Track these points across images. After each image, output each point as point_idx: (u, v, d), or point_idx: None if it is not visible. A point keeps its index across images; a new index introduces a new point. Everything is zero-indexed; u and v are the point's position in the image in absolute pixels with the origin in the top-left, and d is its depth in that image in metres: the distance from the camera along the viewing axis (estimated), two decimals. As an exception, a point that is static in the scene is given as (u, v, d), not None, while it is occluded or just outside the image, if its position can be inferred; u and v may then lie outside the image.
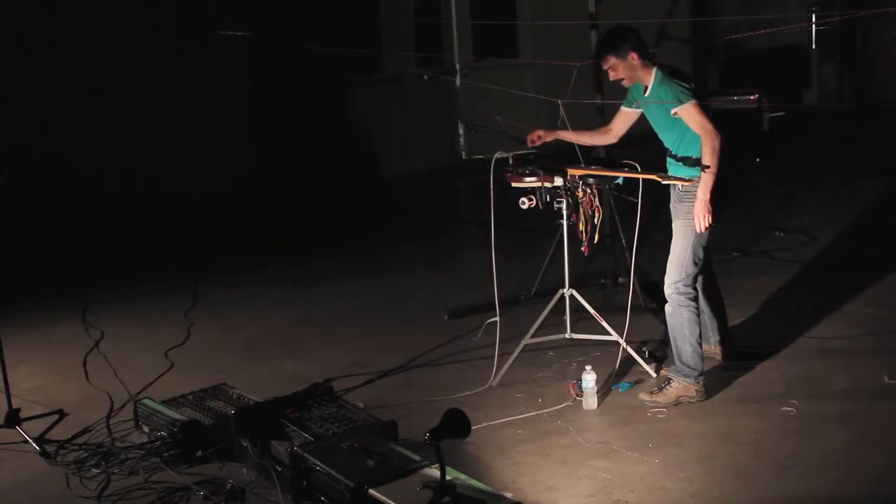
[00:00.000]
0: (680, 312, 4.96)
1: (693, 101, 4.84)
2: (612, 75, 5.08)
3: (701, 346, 5.00)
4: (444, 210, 10.31)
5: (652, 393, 5.01)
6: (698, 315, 5.00)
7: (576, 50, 7.22)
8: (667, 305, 5.03)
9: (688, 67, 12.78)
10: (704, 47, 12.45)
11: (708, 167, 4.78)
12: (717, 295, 5.39)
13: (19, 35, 8.78)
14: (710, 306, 5.33)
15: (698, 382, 4.96)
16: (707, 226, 4.87)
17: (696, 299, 4.99)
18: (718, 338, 5.40)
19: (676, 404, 4.93)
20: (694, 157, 4.91)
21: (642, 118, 5.18)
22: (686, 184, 4.92)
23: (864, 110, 12.77)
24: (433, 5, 11.62)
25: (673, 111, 4.90)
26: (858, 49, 13.39)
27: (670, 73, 4.98)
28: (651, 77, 4.98)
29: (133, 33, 9.20)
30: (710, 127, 4.80)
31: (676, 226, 5.01)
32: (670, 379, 5.00)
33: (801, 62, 13.28)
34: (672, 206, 5.09)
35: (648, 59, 5.01)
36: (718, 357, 5.41)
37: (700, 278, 5.08)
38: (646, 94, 5.04)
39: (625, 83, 5.11)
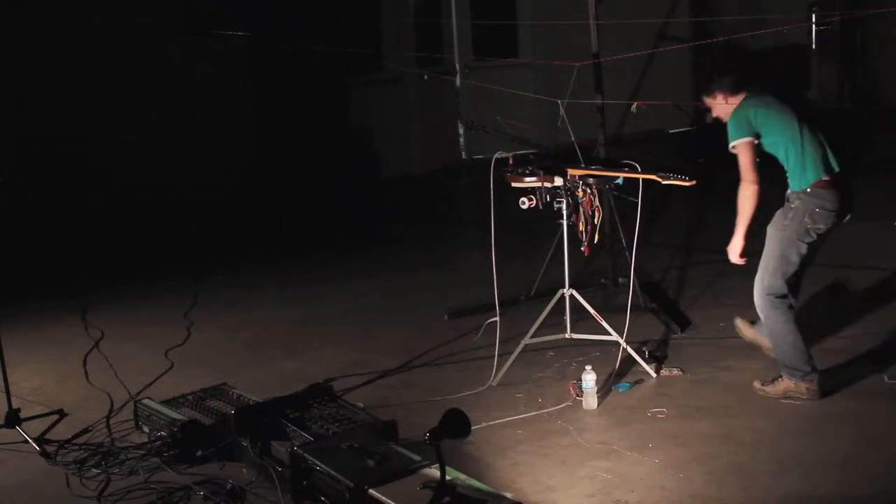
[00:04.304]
0: (768, 320, 4.93)
1: (740, 141, 4.82)
2: (708, 119, 5.18)
3: (803, 346, 4.89)
4: (444, 210, 10.31)
5: (763, 383, 5.01)
6: (790, 320, 4.87)
7: (576, 50, 7.21)
8: (758, 306, 4.98)
9: (688, 67, 12.78)
10: (704, 47, 12.44)
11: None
12: None
13: (19, 35, 8.78)
14: None
15: (808, 380, 4.88)
16: (741, 260, 4.99)
17: (781, 306, 4.86)
18: None
19: (785, 398, 4.92)
20: (797, 173, 4.85)
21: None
22: (789, 195, 4.90)
23: (864, 110, 12.76)
24: (433, 5, 11.62)
25: (730, 146, 4.89)
26: (858, 49, 13.37)
27: (748, 104, 4.92)
28: None
29: (133, 33, 9.20)
30: (745, 173, 4.83)
31: (769, 231, 4.96)
32: (781, 375, 4.97)
33: (801, 62, 13.27)
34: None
35: (740, 91, 4.98)
36: (768, 352, 5.26)
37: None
38: None
39: (724, 120, 5.06)
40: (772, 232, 4.94)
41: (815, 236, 4.88)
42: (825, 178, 4.81)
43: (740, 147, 4.84)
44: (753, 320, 5.37)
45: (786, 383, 4.94)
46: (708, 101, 5.10)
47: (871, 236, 7.56)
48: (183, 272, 8.01)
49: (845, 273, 6.83)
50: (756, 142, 4.86)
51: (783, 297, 4.89)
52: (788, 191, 4.92)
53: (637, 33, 9.38)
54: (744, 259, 5.02)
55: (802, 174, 4.82)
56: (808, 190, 4.81)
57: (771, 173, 4.96)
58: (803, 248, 4.88)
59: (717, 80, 5.04)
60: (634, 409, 4.97)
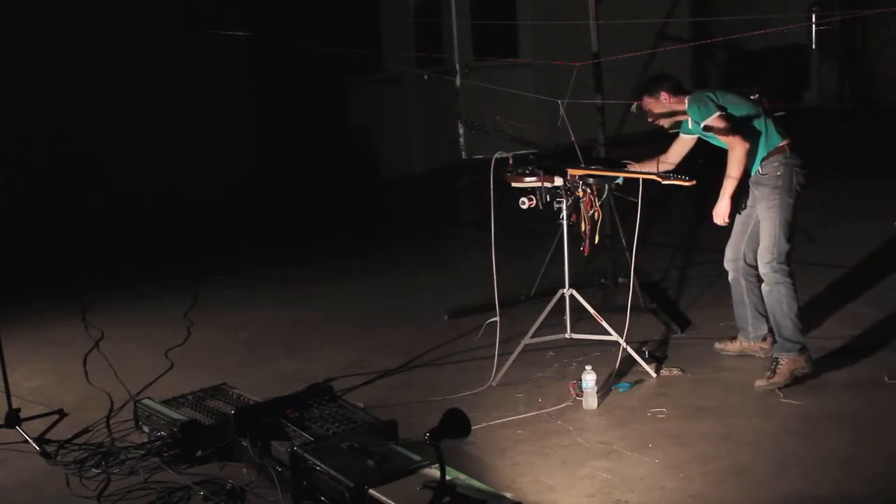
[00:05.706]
0: (777, 290, 5.04)
1: (714, 115, 4.99)
2: (649, 118, 5.31)
3: (801, 320, 5.07)
4: (444, 210, 10.31)
5: (767, 378, 5.03)
6: (796, 290, 5.05)
7: (576, 50, 7.21)
8: (763, 285, 5.11)
9: (688, 67, 12.78)
10: (704, 47, 12.46)
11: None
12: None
13: (19, 35, 8.78)
14: (755, 299, 5.33)
15: (804, 354, 5.04)
16: (726, 222, 5.12)
17: (791, 275, 5.04)
18: (765, 332, 5.39)
19: (793, 380, 5.00)
20: (764, 137, 5.07)
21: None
22: (761, 168, 5.07)
23: (864, 110, 12.76)
24: (433, 5, 11.62)
25: (702, 126, 5.05)
26: (858, 49, 13.37)
27: (701, 91, 5.17)
28: (685, 106, 5.17)
29: (133, 33, 9.19)
30: (732, 138, 5.00)
31: (760, 209, 5.11)
32: (777, 359, 5.05)
33: (801, 62, 13.27)
34: (751, 191, 5.18)
35: (680, 93, 5.21)
36: (760, 354, 5.41)
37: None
38: (690, 126, 5.22)
39: (663, 124, 5.30)
40: (765, 206, 5.07)
41: (796, 196, 5.06)
42: (788, 140, 5.07)
43: (715, 120, 4.99)
44: (732, 337, 5.55)
45: (786, 364, 5.02)
46: (649, 100, 5.27)
47: (871, 236, 7.57)
48: (183, 272, 8.01)
49: (845, 273, 6.83)
50: (725, 113, 5.03)
51: (790, 265, 5.04)
52: (761, 166, 5.05)
53: (637, 33, 9.37)
54: (728, 221, 5.16)
55: (768, 138, 5.05)
56: (788, 154, 5.02)
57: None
58: (796, 211, 5.07)
59: (661, 81, 5.26)
60: (634, 409, 4.97)
